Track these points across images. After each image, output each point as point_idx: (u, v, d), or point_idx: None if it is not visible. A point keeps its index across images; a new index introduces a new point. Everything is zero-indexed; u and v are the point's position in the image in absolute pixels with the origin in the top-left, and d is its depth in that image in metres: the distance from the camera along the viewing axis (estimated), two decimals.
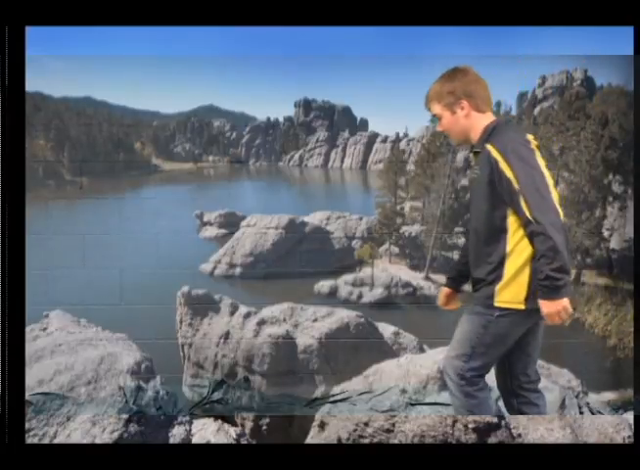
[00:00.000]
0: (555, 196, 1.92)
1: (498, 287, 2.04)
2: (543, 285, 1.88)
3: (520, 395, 2.30)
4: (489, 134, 2.07)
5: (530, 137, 2.06)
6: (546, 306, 1.89)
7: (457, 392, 2.17)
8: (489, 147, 1.99)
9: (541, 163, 1.97)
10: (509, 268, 2.01)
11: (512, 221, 2.00)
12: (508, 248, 2.02)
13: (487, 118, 2.13)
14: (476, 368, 2.13)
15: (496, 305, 2.04)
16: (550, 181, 1.93)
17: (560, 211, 1.90)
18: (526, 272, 1.99)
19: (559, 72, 79.38)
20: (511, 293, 2.02)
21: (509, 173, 1.91)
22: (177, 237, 36.96)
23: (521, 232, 1.98)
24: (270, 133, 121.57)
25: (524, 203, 1.89)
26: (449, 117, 2.17)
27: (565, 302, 1.87)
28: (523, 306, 2.01)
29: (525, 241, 1.96)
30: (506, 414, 2.39)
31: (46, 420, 2.53)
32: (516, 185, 1.90)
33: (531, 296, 1.98)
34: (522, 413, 2.34)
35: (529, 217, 1.88)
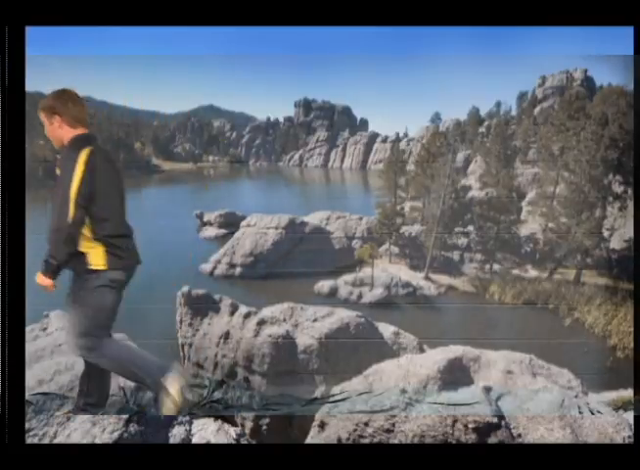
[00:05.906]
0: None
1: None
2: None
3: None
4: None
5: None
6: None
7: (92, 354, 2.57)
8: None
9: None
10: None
11: None
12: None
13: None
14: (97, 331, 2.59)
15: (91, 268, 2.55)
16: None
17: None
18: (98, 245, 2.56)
19: (559, 72, 79.44)
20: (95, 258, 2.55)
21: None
22: (177, 237, 36.97)
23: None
24: (270, 133, 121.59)
25: None
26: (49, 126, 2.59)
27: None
28: (104, 267, 2.56)
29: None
30: (506, 414, 2.39)
31: (46, 420, 2.53)
32: None
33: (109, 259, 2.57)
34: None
35: None
